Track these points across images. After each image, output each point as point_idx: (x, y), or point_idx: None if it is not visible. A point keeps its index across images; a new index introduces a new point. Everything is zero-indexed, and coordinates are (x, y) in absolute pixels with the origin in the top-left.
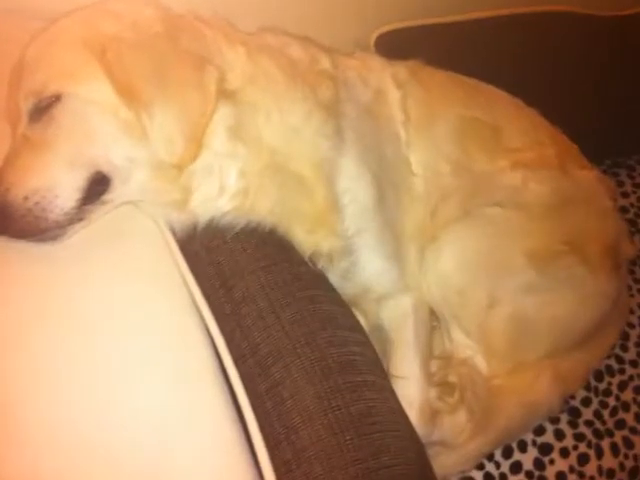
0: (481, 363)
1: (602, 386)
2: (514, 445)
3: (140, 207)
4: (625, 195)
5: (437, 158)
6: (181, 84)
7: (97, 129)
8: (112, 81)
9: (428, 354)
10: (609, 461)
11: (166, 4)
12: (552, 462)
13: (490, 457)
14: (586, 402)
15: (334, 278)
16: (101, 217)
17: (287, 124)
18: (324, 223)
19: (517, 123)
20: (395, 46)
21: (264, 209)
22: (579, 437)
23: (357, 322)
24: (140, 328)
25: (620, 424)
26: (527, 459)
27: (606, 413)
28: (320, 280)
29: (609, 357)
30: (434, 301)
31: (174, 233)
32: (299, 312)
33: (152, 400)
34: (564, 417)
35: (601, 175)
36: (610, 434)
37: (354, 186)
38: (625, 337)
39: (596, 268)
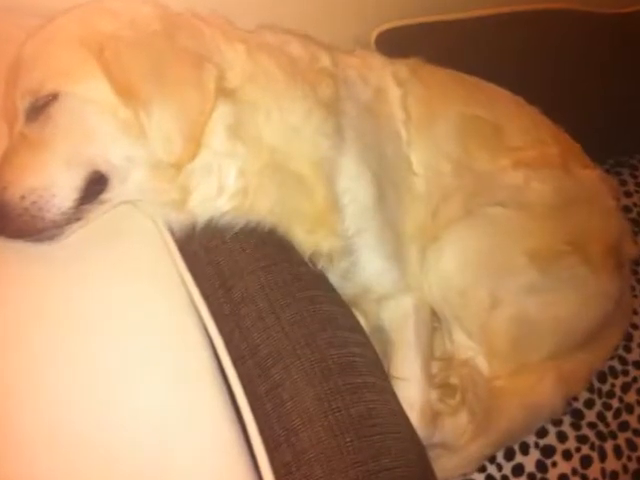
0: (483, 364)
1: (605, 388)
2: (516, 447)
3: (138, 207)
4: (628, 194)
5: (438, 157)
6: (179, 82)
7: (95, 128)
8: (110, 80)
9: (429, 355)
10: (612, 463)
11: (164, 2)
12: (554, 464)
13: (492, 459)
14: (589, 404)
15: (334, 278)
16: (99, 217)
17: (287, 123)
18: (324, 223)
19: (518, 121)
20: (395, 44)
21: (263, 209)
22: (582, 439)
23: (357, 323)
24: (139, 328)
25: (623, 426)
26: (529, 461)
27: (609, 415)
28: (320, 280)
29: (612, 358)
30: (435, 301)
31: (173, 233)
32: (299, 313)
33: (150, 401)
34: (567, 419)
35: (604, 174)
36: (613, 436)
37: (354, 185)
38: (628, 338)
39: (599, 268)
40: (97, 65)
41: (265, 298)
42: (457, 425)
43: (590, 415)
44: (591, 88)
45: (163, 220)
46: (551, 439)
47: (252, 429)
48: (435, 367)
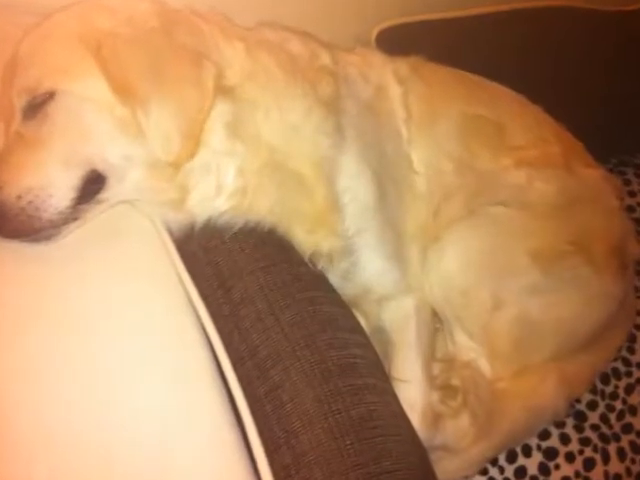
0: (485, 366)
1: (609, 389)
2: (518, 450)
3: (136, 206)
4: (632, 194)
5: (439, 156)
6: (178, 80)
7: (92, 127)
8: (107, 77)
9: (430, 356)
10: (615, 466)
11: None
12: (557, 467)
13: (494, 462)
14: (592, 406)
15: (334, 279)
16: (96, 216)
17: (286, 121)
18: (324, 223)
19: (521, 120)
20: (396, 42)
21: (263, 208)
22: (585, 441)
23: (358, 324)
24: (137, 328)
25: (627, 428)
26: (532, 464)
27: (613, 417)
28: (320, 281)
29: (616, 360)
30: (437, 302)
31: (171, 233)
32: (299, 314)
33: (149, 401)
34: (570, 421)
35: (607, 174)
36: (617, 438)
37: (354, 184)
38: (632, 339)
39: (602, 268)
40: (94, 63)
41: (264, 299)
42: (459, 427)
43: (593, 417)
44: (594, 86)
45: (161, 220)
46: (554, 441)
47: (251, 431)
48: (436, 368)
